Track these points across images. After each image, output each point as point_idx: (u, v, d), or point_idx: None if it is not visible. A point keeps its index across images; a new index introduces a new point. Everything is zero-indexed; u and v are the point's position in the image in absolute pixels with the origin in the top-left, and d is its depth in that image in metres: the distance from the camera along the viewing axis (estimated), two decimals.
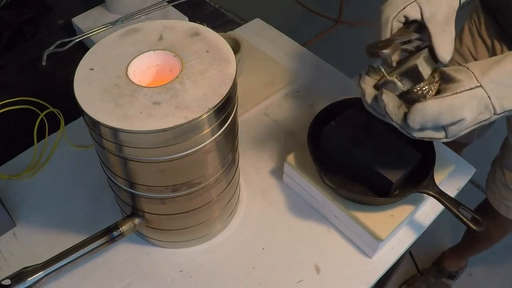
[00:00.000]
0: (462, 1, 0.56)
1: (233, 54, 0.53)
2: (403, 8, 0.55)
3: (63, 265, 0.58)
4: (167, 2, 1.04)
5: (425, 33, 0.55)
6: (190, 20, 1.01)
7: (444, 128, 0.50)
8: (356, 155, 0.63)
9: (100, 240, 0.60)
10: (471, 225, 0.60)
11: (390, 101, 0.51)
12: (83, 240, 0.60)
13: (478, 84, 0.49)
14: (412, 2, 0.55)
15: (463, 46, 0.96)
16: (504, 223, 1.15)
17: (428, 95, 0.51)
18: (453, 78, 0.50)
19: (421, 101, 0.50)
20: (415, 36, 0.55)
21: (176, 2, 1.05)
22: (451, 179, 0.74)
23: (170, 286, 0.64)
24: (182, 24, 0.57)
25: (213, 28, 0.58)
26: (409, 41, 0.55)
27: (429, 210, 0.71)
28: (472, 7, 0.95)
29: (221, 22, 1.08)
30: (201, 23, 0.59)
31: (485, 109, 0.49)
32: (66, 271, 0.62)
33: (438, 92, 0.51)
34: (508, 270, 1.59)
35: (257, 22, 1.04)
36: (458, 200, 0.63)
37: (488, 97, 0.49)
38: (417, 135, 0.51)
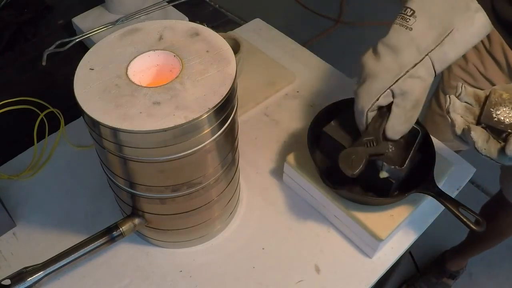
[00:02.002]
0: (438, 73, 0.56)
1: (233, 54, 0.53)
2: (377, 100, 0.56)
3: (63, 265, 0.58)
4: (167, 2, 1.04)
5: None
6: (190, 20, 1.01)
7: None
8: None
9: (100, 240, 0.60)
10: (472, 226, 0.60)
11: (479, 138, 0.52)
12: (83, 240, 0.60)
13: None
14: (385, 92, 0.56)
15: (469, 64, 0.94)
16: None
17: None
18: None
19: None
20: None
21: (176, 2, 1.05)
22: (451, 179, 0.74)
23: (170, 286, 0.64)
24: (182, 24, 0.57)
25: (213, 28, 0.58)
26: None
27: (429, 210, 0.71)
28: None
29: (221, 22, 1.08)
30: (201, 23, 0.59)
31: None
32: (66, 271, 0.62)
33: None
34: (508, 270, 1.59)
35: (257, 22, 1.04)
36: (458, 200, 0.63)
37: None
38: (510, 163, 0.51)
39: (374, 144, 0.58)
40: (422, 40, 0.55)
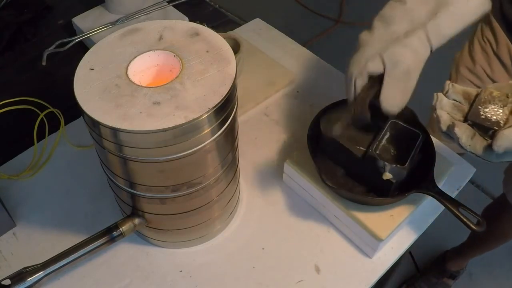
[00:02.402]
0: (435, 48, 0.56)
1: (233, 54, 0.53)
2: (365, 64, 0.56)
3: (63, 265, 0.58)
4: (167, 2, 1.04)
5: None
6: (190, 20, 1.01)
7: None
8: (356, 155, 0.63)
9: (100, 240, 0.60)
10: (472, 226, 0.60)
11: (463, 134, 0.52)
12: (83, 240, 0.60)
13: None
14: (374, 57, 0.55)
15: (477, 66, 0.94)
16: None
17: (498, 118, 0.52)
18: None
19: (500, 127, 0.51)
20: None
21: (176, 2, 1.05)
22: (451, 179, 0.74)
23: (170, 286, 0.64)
24: (182, 24, 0.57)
25: (213, 28, 0.58)
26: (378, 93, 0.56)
27: (429, 210, 0.71)
28: (481, 25, 0.92)
29: (221, 22, 1.08)
30: (201, 23, 0.59)
31: None
32: (66, 271, 0.62)
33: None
34: (508, 270, 1.59)
35: (257, 22, 1.04)
36: (458, 200, 0.63)
37: None
38: (497, 160, 0.51)
39: (357, 109, 0.57)
40: (416, 12, 0.55)
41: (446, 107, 0.55)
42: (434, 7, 0.55)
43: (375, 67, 0.56)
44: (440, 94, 0.56)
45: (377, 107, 0.69)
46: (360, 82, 0.57)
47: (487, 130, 0.52)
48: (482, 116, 0.53)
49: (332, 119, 0.56)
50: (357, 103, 0.57)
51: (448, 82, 0.56)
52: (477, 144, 0.52)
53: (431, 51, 0.56)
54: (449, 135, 0.54)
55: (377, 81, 0.57)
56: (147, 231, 0.66)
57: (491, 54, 0.91)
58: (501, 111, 0.53)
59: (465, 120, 0.54)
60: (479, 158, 0.52)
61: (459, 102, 0.56)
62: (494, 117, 0.53)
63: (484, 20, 0.91)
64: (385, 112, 0.57)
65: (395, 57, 0.55)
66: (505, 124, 0.52)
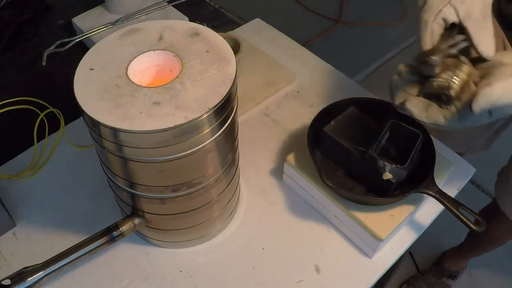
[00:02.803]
0: None
1: (233, 54, 0.53)
2: (440, 11, 0.54)
3: (63, 265, 0.58)
4: (167, 2, 1.04)
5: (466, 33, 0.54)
6: (190, 20, 1.01)
7: (491, 113, 0.49)
8: (356, 155, 0.63)
9: (100, 240, 0.60)
10: (471, 225, 0.60)
11: (415, 108, 0.52)
12: (83, 240, 0.60)
13: None
14: (446, 4, 0.54)
15: None
16: (510, 228, 1.15)
17: (452, 83, 0.51)
18: (501, 62, 0.50)
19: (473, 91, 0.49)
20: (459, 37, 0.54)
21: (176, 2, 1.05)
22: (451, 179, 0.74)
23: (170, 286, 0.64)
24: (182, 24, 0.57)
25: (213, 28, 0.58)
26: (455, 45, 0.54)
27: (429, 210, 0.71)
28: None
29: (221, 22, 1.08)
30: (201, 23, 0.59)
31: None
32: (66, 271, 0.62)
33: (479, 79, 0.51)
34: (508, 270, 1.59)
35: (257, 22, 1.04)
36: (458, 200, 0.63)
37: None
38: (459, 125, 0.51)
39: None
40: None
41: (399, 83, 0.55)
42: None
43: (449, 13, 0.54)
44: (395, 77, 0.55)
45: (377, 107, 0.69)
46: (437, 28, 0.55)
47: (442, 97, 0.51)
48: (435, 85, 0.52)
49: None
50: (435, 51, 0.54)
51: (401, 64, 0.55)
52: (434, 114, 0.51)
53: None
54: (405, 110, 0.54)
55: (451, 32, 0.55)
56: (147, 231, 0.66)
57: None
58: (456, 77, 0.52)
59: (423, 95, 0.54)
60: (441, 127, 0.52)
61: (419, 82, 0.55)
62: (447, 83, 0.51)
63: None
64: (485, 56, 0.54)
65: (466, 1, 0.54)
66: (462, 88, 0.51)
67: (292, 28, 1.70)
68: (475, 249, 1.39)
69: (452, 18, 0.54)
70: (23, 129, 0.79)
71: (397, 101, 0.54)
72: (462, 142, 1.12)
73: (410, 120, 0.61)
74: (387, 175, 0.60)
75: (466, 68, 0.52)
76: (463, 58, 0.53)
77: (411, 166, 0.61)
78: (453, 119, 0.51)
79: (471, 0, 0.54)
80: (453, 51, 0.54)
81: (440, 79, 0.52)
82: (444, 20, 0.54)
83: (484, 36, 0.54)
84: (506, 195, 1.05)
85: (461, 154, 1.21)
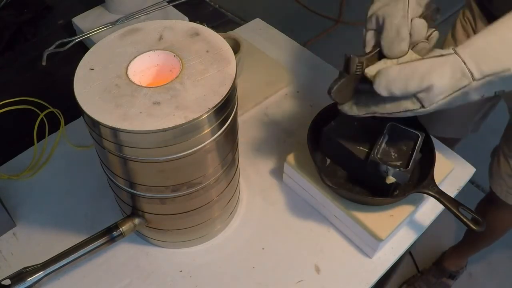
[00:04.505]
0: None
1: (233, 54, 0.53)
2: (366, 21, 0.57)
3: (63, 265, 0.58)
4: (167, 2, 1.04)
5: None
6: (190, 20, 1.01)
7: (416, 97, 0.50)
8: (356, 155, 0.63)
9: (100, 240, 0.60)
10: (471, 225, 0.60)
11: (344, 106, 0.55)
12: (83, 240, 0.60)
13: (452, 52, 0.48)
14: (372, 16, 0.57)
15: (458, 44, 0.96)
16: (508, 217, 1.16)
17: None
18: (437, 50, 0.51)
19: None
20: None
21: (176, 2, 1.05)
22: (451, 179, 0.74)
23: (170, 286, 0.64)
24: (182, 24, 0.57)
25: (213, 28, 0.58)
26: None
27: (429, 210, 0.71)
28: (464, 4, 0.95)
29: (221, 22, 1.08)
30: (201, 23, 0.59)
31: (461, 75, 0.48)
32: (66, 271, 0.62)
33: None
34: (508, 270, 1.59)
35: (257, 22, 1.04)
36: (458, 200, 0.63)
37: (463, 61, 0.47)
38: (391, 108, 0.51)
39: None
40: None
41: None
42: None
43: (372, 25, 0.57)
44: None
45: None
46: (369, 37, 0.58)
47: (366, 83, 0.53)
48: (358, 72, 0.54)
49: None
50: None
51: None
52: (364, 105, 0.53)
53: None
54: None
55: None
56: (147, 231, 0.66)
57: (471, 32, 0.92)
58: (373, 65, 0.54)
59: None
60: (376, 113, 0.53)
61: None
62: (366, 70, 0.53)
63: (465, 2, 0.93)
64: (390, 56, 0.56)
65: (385, 15, 0.55)
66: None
67: (292, 28, 1.71)
68: (474, 245, 1.39)
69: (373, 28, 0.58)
70: (23, 129, 0.79)
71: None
72: (451, 127, 1.12)
73: (409, 121, 0.62)
74: (391, 179, 0.59)
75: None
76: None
77: (413, 167, 0.61)
78: (381, 104, 0.52)
79: (391, 12, 0.55)
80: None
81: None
82: (372, 30, 0.58)
83: (386, 38, 0.56)
84: (497, 177, 1.05)
85: (456, 141, 1.21)
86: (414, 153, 0.61)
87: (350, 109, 0.55)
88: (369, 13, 0.57)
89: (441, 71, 0.48)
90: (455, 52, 0.48)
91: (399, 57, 0.55)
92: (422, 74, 0.48)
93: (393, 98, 0.51)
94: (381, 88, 0.50)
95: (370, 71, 0.53)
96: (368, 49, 0.57)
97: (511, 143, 0.98)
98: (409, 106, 0.50)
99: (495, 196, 1.07)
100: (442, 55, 0.48)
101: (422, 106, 0.50)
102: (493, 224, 1.19)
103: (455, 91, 0.48)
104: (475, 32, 0.92)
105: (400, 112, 0.51)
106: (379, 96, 0.51)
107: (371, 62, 0.55)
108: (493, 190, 1.08)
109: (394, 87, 0.49)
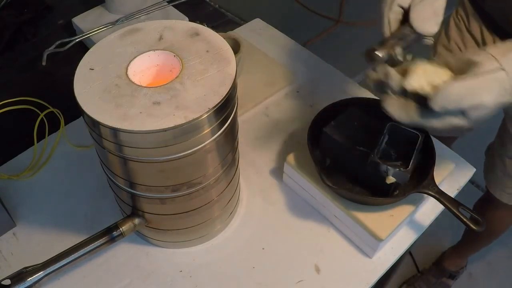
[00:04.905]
0: None
1: (233, 54, 0.53)
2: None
3: (63, 265, 0.58)
4: (167, 2, 1.04)
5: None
6: (190, 20, 1.01)
7: (464, 113, 0.49)
8: (356, 155, 0.63)
9: (100, 240, 0.60)
10: (471, 225, 0.60)
11: (394, 108, 0.51)
12: (83, 240, 0.60)
13: (500, 67, 0.48)
14: None
15: (451, 42, 0.96)
16: (505, 216, 1.16)
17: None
18: (472, 60, 0.49)
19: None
20: (406, 29, 0.55)
21: (176, 2, 1.05)
22: (451, 179, 0.74)
23: (170, 286, 0.64)
24: (182, 24, 0.57)
25: (213, 28, 0.58)
26: (403, 38, 0.54)
27: (429, 210, 0.71)
28: (457, 2, 0.95)
29: (221, 22, 1.08)
30: (201, 23, 0.59)
31: (505, 91, 0.48)
32: (66, 271, 0.62)
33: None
34: (508, 270, 1.59)
35: (257, 22, 1.04)
36: (458, 200, 0.63)
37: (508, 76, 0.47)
38: (438, 124, 0.50)
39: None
40: None
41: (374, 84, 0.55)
42: None
43: (403, 1, 0.55)
44: (370, 72, 0.54)
45: (377, 107, 0.69)
46: (394, 16, 0.56)
47: (419, 99, 0.51)
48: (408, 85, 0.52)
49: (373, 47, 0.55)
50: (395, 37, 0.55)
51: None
52: (413, 112, 0.51)
53: None
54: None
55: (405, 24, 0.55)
56: (147, 231, 0.66)
57: (464, 30, 0.93)
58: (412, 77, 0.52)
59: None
60: (421, 126, 0.51)
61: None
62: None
63: (459, 1, 0.94)
64: (419, 30, 0.54)
65: None
66: (434, 88, 0.51)
67: (292, 28, 1.70)
68: (473, 244, 1.39)
69: (405, 3, 0.55)
70: (23, 129, 0.79)
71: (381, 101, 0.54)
72: None
73: None
74: (391, 179, 0.59)
75: (429, 67, 0.52)
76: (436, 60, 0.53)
77: (413, 167, 0.61)
78: (427, 118, 0.50)
79: None
80: (402, 43, 0.54)
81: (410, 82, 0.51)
82: (400, 6, 0.55)
83: (421, 12, 0.54)
84: (491, 176, 1.05)
85: (453, 139, 1.21)
86: (414, 153, 0.61)
87: (398, 112, 0.52)
88: None
89: (490, 89, 0.48)
90: (503, 68, 0.48)
91: (427, 36, 0.53)
92: (474, 91, 0.48)
93: (440, 113, 0.50)
94: (437, 106, 0.48)
95: (417, 83, 0.51)
96: (391, 28, 0.55)
97: (505, 142, 0.98)
98: (455, 122, 0.50)
99: (491, 195, 1.07)
100: (492, 71, 0.48)
101: (468, 123, 0.50)
102: (491, 223, 1.19)
103: (499, 106, 0.49)
104: (468, 29, 0.92)
105: (445, 127, 0.50)
106: (427, 109, 0.50)
107: (392, 49, 0.53)
108: (489, 189, 1.08)
109: (449, 105, 0.48)
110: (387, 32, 0.56)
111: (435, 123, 0.50)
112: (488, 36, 0.88)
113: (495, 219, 1.18)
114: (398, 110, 0.51)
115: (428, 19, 0.54)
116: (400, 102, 0.52)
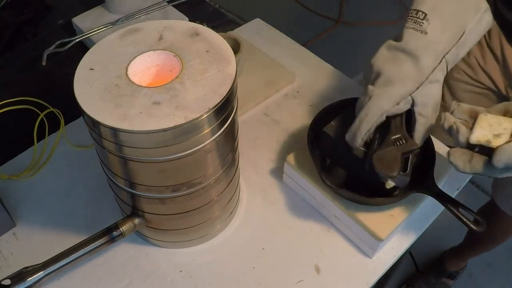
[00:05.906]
0: (448, 70, 0.57)
1: (233, 54, 0.53)
2: (397, 104, 0.56)
3: (63, 265, 0.58)
4: (167, 2, 1.04)
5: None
6: (190, 20, 1.01)
7: None
8: (356, 155, 0.63)
9: (100, 240, 0.60)
10: (471, 226, 0.60)
11: (459, 160, 0.52)
12: (83, 240, 0.60)
13: None
14: (406, 97, 0.56)
15: (471, 56, 0.95)
16: (509, 227, 1.16)
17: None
18: None
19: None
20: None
21: (176, 2, 1.05)
22: (451, 179, 0.74)
23: (170, 286, 0.64)
24: (182, 24, 0.57)
25: (213, 28, 0.58)
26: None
27: (429, 210, 0.71)
28: None
29: (221, 22, 1.08)
30: (201, 23, 0.59)
31: None
32: (66, 271, 0.62)
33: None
34: (508, 270, 1.59)
35: (257, 22, 1.04)
36: (458, 200, 0.63)
37: None
38: (500, 175, 0.51)
39: (403, 142, 0.57)
40: (439, 44, 0.55)
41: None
42: (454, 35, 0.55)
43: (404, 106, 0.56)
44: (447, 114, 0.55)
45: None
46: (382, 118, 0.57)
47: (488, 149, 0.52)
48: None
49: (382, 157, 0.56)
50: (394, 132, 0.58)
51: (454, 102, 0.56)
52: (477, 164, 0.51)
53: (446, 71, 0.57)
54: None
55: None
56: (147, 231, 0.66)
57: (484, 45, 0.92)
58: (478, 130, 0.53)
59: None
60: (484, 176, 0.52)
61: (466, 121, 0.56)
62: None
63: None
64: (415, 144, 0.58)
65: (425, 95, 0.56)
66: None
67: (292, 28, 1.71)
68: (475, 248, 1.39)
69: (402, 110, 0.57)
70: (23, 129, 0.79)
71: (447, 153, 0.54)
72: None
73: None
74: (390, 184, 0.59)
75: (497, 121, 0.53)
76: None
77: (412, 169, 0.61)
78: (492, 169, 0.51)
79: (430, 93, 0.56)
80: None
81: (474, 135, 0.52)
82: (395, 113, 0.57)
83: (423, 132, 0.58)
84: (500, 190, 1.05)
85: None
86: (410, 156, 0.61)
87: (465, 165, 0.53)
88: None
89: None
90: None
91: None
92: None
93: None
94: (500, 163, 0.50)
95: (482, 137, 0.52)
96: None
97: None
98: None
99: (498, 209, 1.07)
100: None
101: None
102: (494, 233, 1.20)
103: None
104: (488, 45, 0.91)
105: (507, 177, 0.52)
106: (490, 162, 0.51)
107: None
108: (498, 205, 1.07)
109: (511, 162, 0.49)
110: (372, 129, 0.57)
111: (497, 174, 0.51)
112: (509, 52, 0.87)
113: (499, 230, 1.18)
114: (463, 163, 0.52)
115: (424, 138, 0.59)
116: (464, 154, 0.52)
